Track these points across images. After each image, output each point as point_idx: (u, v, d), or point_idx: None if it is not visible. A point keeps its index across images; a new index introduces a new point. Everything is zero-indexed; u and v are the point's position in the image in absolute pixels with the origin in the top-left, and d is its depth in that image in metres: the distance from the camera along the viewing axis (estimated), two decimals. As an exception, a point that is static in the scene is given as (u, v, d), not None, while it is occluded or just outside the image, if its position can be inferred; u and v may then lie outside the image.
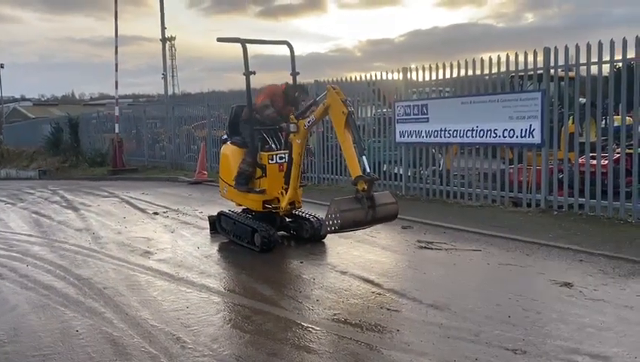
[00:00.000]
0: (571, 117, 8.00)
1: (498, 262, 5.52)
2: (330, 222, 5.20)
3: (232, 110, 7.16)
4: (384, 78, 10.62)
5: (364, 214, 5.19)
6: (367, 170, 5.30)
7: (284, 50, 7.01)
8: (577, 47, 7.52)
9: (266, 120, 6.63)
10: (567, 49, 7.67)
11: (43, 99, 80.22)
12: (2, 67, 51.51)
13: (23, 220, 9.05)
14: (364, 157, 5.35)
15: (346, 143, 5.46)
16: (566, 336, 3.67)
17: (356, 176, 5.26)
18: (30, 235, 7.70)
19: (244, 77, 6.56)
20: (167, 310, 4.40)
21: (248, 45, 6.58)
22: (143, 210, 9.50)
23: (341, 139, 5.55)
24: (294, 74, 7.02)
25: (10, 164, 26.28)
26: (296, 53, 7.02)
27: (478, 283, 5.00)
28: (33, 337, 3.96)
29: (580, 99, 7.84)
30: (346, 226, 5.23)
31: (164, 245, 6.72)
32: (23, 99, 75.83)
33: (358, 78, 11.24)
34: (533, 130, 7.86)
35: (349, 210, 5.17)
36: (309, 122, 5.96)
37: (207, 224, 7.38)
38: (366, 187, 5.19)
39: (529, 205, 8.10)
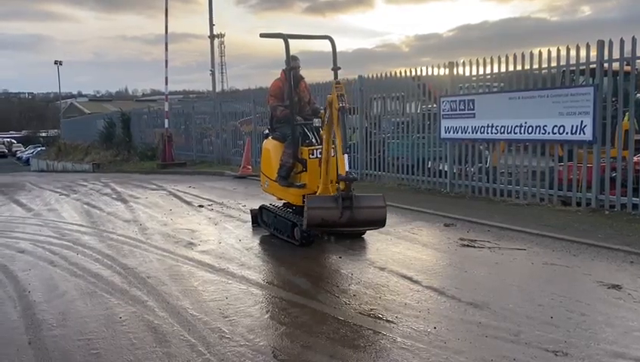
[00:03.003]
0: (626, 113, 7.67)
1: (543, 261, 5.36)
2: (303, 220, 5.16)
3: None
4: (430, 73, 10.46)
5: (338, 214, 5.13)
6: (347, 168, 5.21)
7: (329, 46, 7.06)
8: (634, 40, 7.19)
9: (283, 119, 6.69)
10: (622, 42, 7.35)
11: (98, 95, 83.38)
12: (61, 64, 53.83)
13: (75, 211, 9.44)
14: (346, 155, 5.27)
15: (337, 140, 5.47)
16: (611, 340, 3.53)
17: (338, 175, 5.27)
18: (81, 225, 8.02)
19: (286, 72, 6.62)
20: (207, 300, 4.50)
21: (292, 41, 6.61)
22: (189, 203, 9.72)
23: (336, 134, 5.56)
24: (335, 68, 6.98)
25: (67, 157, 27.40)
26: (343, 49, 7.09)
27: (520, 282, 4.85)
28: (80, 322, 4.13)
29: (638, 95, 7.50)
30: (313, 224, 5.19)
31: (207, 237, 6.86)
32: (80, 95, 79.08)
33: (402, 74, 11.11)
34: (585, 126, 7.58)
35: (318, 208, 5.15)
36: (327, 117, 5.95)
37: (249, 217, 7.50)
38: (344, 186, 5.16)
39: (579, 204, 7.82)
